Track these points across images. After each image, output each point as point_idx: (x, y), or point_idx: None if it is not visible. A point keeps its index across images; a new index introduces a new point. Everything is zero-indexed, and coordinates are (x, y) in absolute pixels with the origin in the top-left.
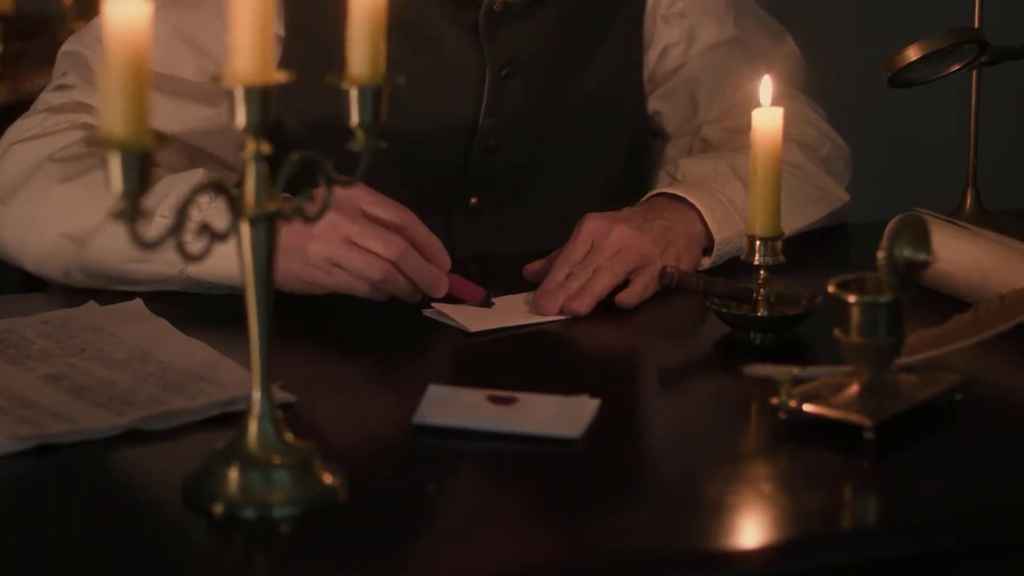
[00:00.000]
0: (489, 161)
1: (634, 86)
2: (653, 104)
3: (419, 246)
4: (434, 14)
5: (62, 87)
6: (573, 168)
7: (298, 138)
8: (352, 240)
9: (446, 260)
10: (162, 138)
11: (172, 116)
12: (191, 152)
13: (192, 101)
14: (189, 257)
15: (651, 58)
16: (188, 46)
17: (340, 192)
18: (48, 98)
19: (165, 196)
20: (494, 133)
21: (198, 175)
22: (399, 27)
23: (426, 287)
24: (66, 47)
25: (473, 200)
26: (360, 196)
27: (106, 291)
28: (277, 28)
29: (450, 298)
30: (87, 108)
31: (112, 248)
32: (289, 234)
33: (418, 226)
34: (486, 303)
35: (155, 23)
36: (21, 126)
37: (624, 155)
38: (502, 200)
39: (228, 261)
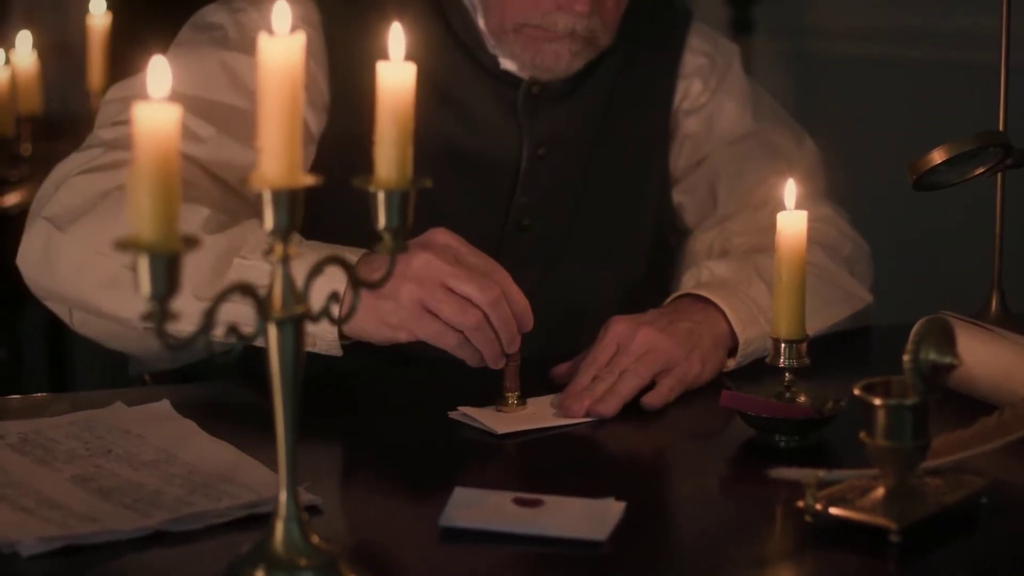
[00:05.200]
0: (521, 239)
1: (659, 178)
2: (676, 197)
3: (507, 298)
4: (477, 91)
5: (118, 123)
6: (599, 255)
7: (340, 195)
8: (447, 285)
9: (530, 320)
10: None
11: (213, 145)
12: (220, 184)
13: (231, 137)
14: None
15: (674, 151)
16: (230, 80)
17: (437, 235)
18: (102, 135)
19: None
20: (528, 211)
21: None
22: (444, 99)
23: (506, 342)
24: (112, 95)
25: None
26: (454, 242)
27: (134, 380)
28: (323, 95)
29: (476, 401)
30: None
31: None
32: None
33: (506, 278)
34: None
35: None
36: (77, 159)
37: (649, 247)
38: (530, 283)
39: None
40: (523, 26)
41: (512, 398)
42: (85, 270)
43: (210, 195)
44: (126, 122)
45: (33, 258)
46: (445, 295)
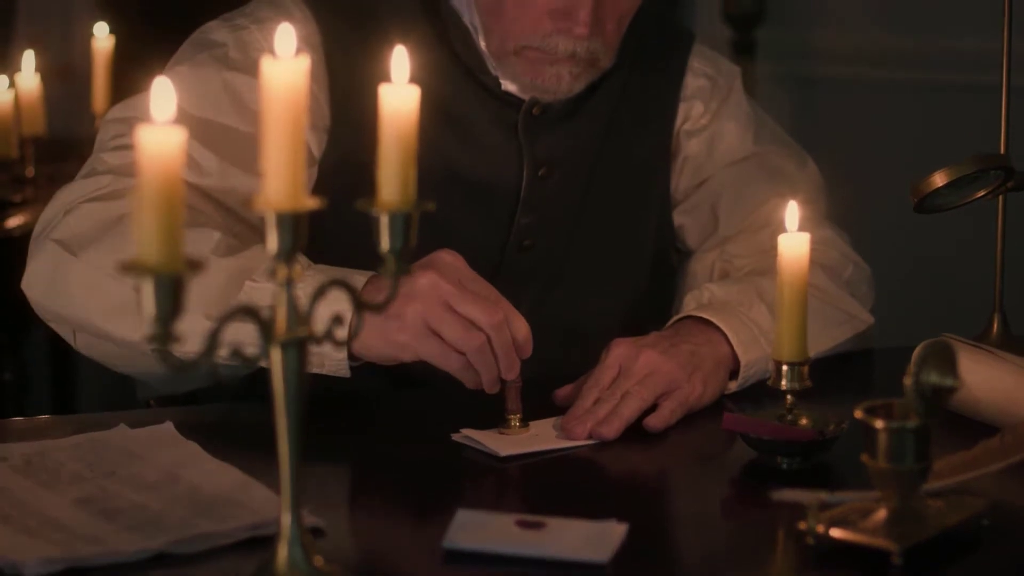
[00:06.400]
0: (522, 260)
1: (660, 198)
2: (677, 219)
3: (509, 324)
4: (478, 112)
5: (122, 147)
6: (600, 276)
7: (340, 216)
8: (451, 305)
9: (530, 348)
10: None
11: (218, 176)
12: (225, 210)
13: (235, 166)
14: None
15: (675, 172)
16: (232, 101)
17: (442, 255)
18: (107, 159)
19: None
20: (529, 232)
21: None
22: (445, 120)
23: (505, 367)
24: (114, 114)
25: None
26: (459, 264)
27: (139, 403)
28: (325, 116)
29: (479, 423)
30: None
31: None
32: None
33: (509, 305)
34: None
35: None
36: (85, 186)
37: (650, 268)
38: (531, 304)
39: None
40: (524, 48)
41: (514, 420)
42: (95, 294)
43: (215, 223)
44: (132, 147)
45: (41, 281)
46: (449, 315)
